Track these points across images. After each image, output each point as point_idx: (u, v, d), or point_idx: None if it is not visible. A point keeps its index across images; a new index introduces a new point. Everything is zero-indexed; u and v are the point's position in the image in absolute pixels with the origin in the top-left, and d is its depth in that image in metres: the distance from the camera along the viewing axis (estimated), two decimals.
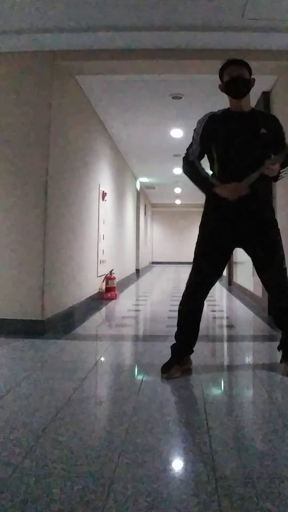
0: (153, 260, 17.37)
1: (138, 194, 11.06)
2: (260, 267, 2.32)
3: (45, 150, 3.38)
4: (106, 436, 1.55)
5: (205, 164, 2.31)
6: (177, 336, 2.34)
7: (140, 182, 10.94)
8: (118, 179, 7.24)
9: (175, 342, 2.33)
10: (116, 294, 5.60)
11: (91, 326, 3.81)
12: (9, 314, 3.28)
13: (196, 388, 2.08)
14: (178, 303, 2.33)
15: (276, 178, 2.25)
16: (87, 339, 3.29)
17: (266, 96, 4.22)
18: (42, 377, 2.22)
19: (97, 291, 5.30)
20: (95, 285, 5.19)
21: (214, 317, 4.39)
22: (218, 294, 6.69)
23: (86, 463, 1.32)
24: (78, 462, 1.33)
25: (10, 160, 3.39)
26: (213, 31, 3.21)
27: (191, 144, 2.31)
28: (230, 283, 7.66)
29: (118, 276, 6.35)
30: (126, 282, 7.91)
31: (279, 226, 2.30)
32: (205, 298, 2.33)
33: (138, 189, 10.89)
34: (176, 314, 2.33)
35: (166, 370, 2.21)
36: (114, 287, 5.65)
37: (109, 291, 5.53)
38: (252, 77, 2.26)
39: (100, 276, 5.45)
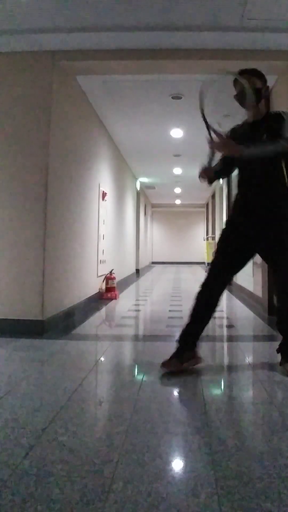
0: (153, 260, 17.38)
1: (138, 194, 11.06)
2: (272, 268, 2.43)
3: (45, 150, 3.38)
4: (106, 436, 1.55)
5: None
6: (183, 327, 2.41)
7: (140, 182, 10.94)
8: (118, 179, 7.24)
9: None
10: (116, 294, 5.60)
11: (91, 326, 3.81)
12: (9, 314, 3.28)
13: (196, 388, 2.08)
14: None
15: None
16: (87, 339, 3.29)
17: None
18: (42, 377, 2.22)
19: (97, 291, 5.30)
20: (95, 285, 5.19)
21: (214, 317, 4.38)
22: None
23: (86, 463, 1.33)
24: (78, 462, 1.33)
25: (10, 160, 3.39)
26: (213, 31, 3.21)
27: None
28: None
29: (118, 276, 6.35)
30: (126, 282, 7.91)
31: None
32: (218, 295, 2.39)
33: (138, 189, 10.89)
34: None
35: (164, 362, 2.27)
36: (114, 287, 5.65)
37: (109, 291, 5.53)
38: (266, 85, 2.33)
39: (100, 276, 5.45)
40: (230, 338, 3.41)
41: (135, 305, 5.25)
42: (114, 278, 5.70)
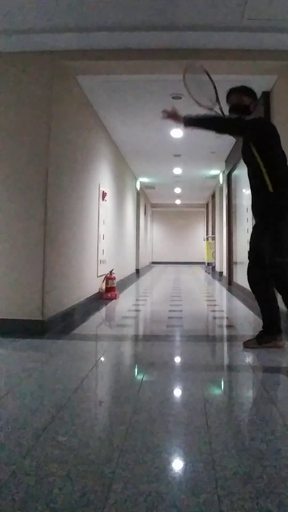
0: (153, 260, 17.38)
1: (138, 194, 11.06)
2: None
3: (45, 150, 3.38)
4: (106, 436, 1.55)
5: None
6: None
7: (140, 182, 10.94)
8: (118, 179, 7.24)
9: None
10: (116, 294, 5.60)
11: (91, 326, 3.81)
12: (9, 314, 3.28)
13: (196, 388, 2.08)
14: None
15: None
16: (87, 339, 3.29)
17: (266, 96, 4.22)
18: (42, 377, 2.22)
19: (97, 291, 5.30)
20: (95, 285, 5.19)
21: (214, 317, 4.39)
22: (218, 294, 6.70)
23: (86, 463, 1.33)
24: (78, 462, 1.33)
25: (10, 160, 3.39)
26: (213, 31, 3.21)
27: None
28: (230, 283, 7.66)
29: (118, 276, 6.35)
30: (126, 282, 7.91)
31: None
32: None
33: (138, 189, 10.89)
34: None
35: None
36: (114, 287, 5.65)
37: (109, 291, 5.53)
38: (255, 101, 2.78)
39: (100, 276, 5.45)
40: (230, 338, 3.41)
41: (135, 305, 5.25)
42: (114, 278, 5.70)
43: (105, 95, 4.62)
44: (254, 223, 2.85)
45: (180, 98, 4.64)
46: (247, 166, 2.79)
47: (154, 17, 3.06)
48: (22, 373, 2.24)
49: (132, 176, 9.76)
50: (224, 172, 8.61)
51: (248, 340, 2.82)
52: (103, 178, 5.77)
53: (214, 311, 4.81)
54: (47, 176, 3.37)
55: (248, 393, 2.14)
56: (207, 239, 12.71)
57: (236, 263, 7.35)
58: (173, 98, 4.66)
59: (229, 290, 6.97)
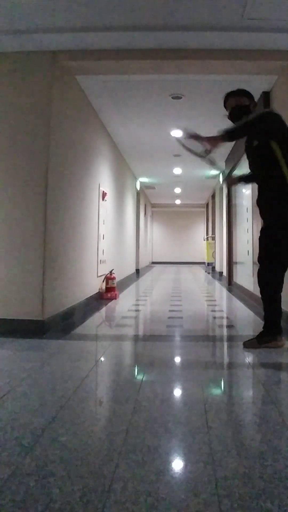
0: (153, 260, 17.38)
1: (138, 194, 11.06)
2: None
3: (45, 150, 3.38)
4: (106, 436, 1.55)
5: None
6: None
7: (140, 182, 10.94)
8: (118, 179, 7.24)
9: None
10: (116, 294, 5.60)
11: (91, 326, 3.81)
12: (9, 314, 3.28)
13: (196, 388, 2.08)
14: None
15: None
16: (87, 339, 3.29)
17: (266, 96, 4.22)
18: (42, 377, 2.22)
19: (97, 291, 5.30)
20: (95, 285, 5.19)
21: (214, 317, 4.39)
22: (218, 294, 6.70)
23: (86, 463, 1.33)
24: (78, 462, 1.33)
25: (10, 160, 3.39)
26: (213, 31, 3.21)
27: None
28: (230, 283, 7.66)
29: (118, 276, 6.35)
30: (126, 282, 7.91)
31: None
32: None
33: (138, 189, 10.89)
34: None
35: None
36: (114, 287, 5.65)
37: (109, 291, 5.53)
38: (254, 101, 2.79)
39: (100, 276, 5.45)
40: (230, 338, 3.41)
41: (135, 305, 5.25)
42: (114, 278, 5.70)
43: (105, 95, 4.62)
44: (263, 224, 2.75)
45: (180, 98, 4.64)
46: (260, 163, 2.67)
47: (154, 17, 3.06)
48: (22, 373, 2.24)
49: (132, 176, 9.76)
50: (224, 172, 8.61)
51: (248, 340, 2.82)
52: (103, 178, 5.77)
53: (214, 311, 4.80)
54: (47, 176, 3.37)
55: (248, 393, 2.14)
56: (207, 239, 12.71)
57: (236, 263, 7.35)
58: (172, 98, 4.66)
59: (229, 290, 6.97)
